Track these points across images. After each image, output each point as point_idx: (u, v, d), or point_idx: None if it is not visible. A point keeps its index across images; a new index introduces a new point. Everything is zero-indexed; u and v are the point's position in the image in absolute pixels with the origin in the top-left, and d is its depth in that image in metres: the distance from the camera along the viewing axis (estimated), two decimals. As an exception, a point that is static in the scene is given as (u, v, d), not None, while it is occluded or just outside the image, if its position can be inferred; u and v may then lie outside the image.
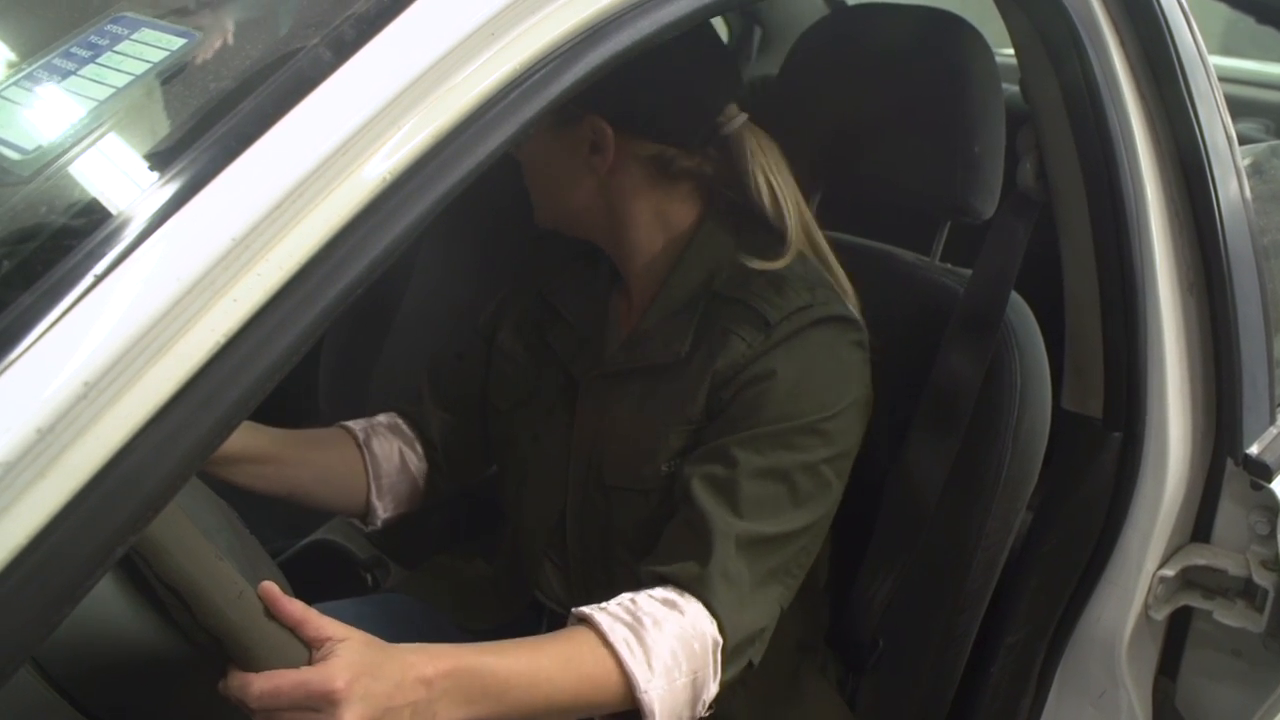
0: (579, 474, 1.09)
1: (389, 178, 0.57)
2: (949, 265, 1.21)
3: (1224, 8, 1.70)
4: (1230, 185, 1.05)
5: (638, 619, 0.91)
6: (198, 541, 0.71)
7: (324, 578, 1.49)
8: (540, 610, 1.18)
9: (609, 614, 0.91)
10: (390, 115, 0.57)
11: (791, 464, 0.98)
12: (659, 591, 0.94)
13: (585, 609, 0.92)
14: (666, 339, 1.05)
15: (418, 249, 1.81)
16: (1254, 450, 1.04)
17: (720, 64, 1.09)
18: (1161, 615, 1.08)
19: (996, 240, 1.11)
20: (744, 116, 1.06)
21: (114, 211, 0.49)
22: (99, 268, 0.46)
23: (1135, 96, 1.01)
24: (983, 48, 1.22)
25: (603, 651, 0.89)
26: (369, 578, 1.49)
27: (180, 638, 0.75)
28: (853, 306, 1.05)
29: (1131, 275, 1.01)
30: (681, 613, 0.93)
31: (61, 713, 0.75)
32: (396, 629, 1.17)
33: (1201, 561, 1.07)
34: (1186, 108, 1.02)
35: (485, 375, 1.21)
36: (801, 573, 1.01)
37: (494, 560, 1.28)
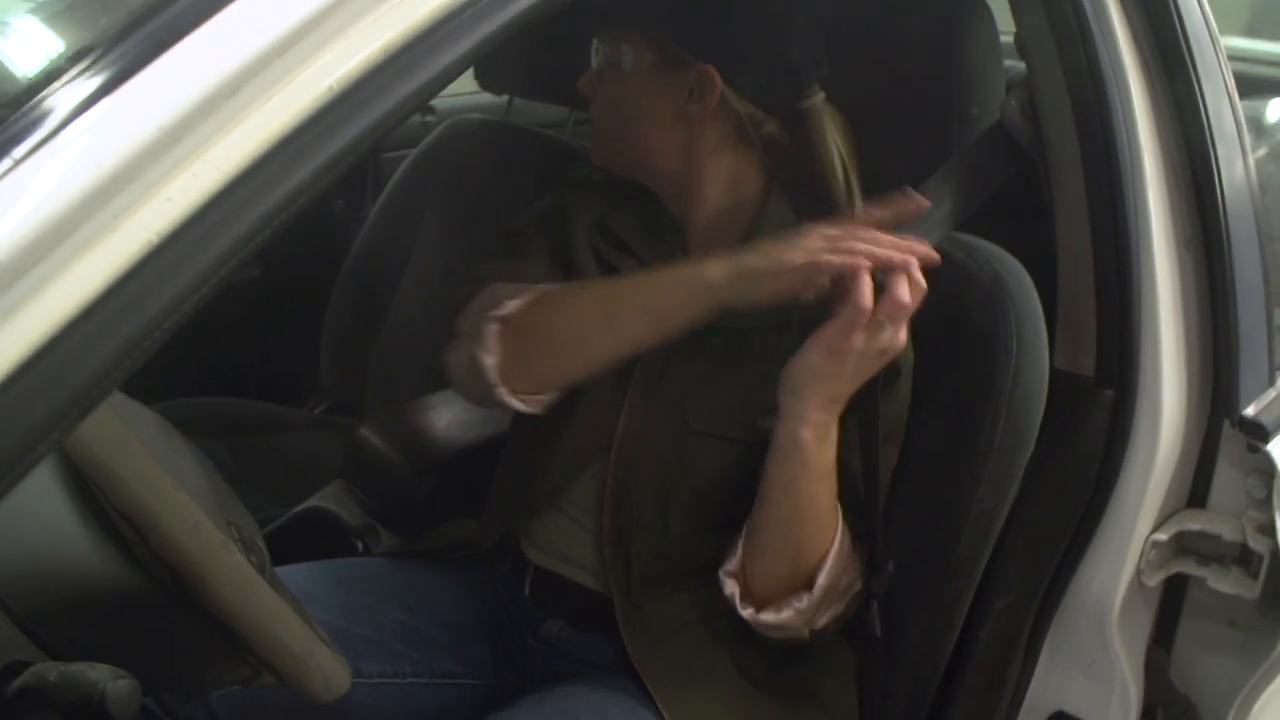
0: (649, 417, 1.07)
1: (335, 87, 0.56)
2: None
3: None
4: (1230, 140, 1.03)
5: None
6: (154, 471, 0.71)
7: (316, 545, 1.48)
8: (524, 568, 1.16)
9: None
10: (335, 23, 0.56)
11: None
12: None
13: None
14: None
15: (421, 220, 1.81)
16: (1250, 411, 1.02)
17: (817, 37, 1.09)
18: (1154, 581, 1.05)
19: (955, 167, 1.08)
20: (823, 95, 1.08)
21: (39, 100, 0.48)
22: (17, 151, 0.46)
23: (1131, 46, 0.99)
24: (981, 7, 1.21)
25: None
26: (360, 545, 1.48)
27: (142, 574, 0.75)
28: None
29: (1125, 228, 0.99)
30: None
31: (24, 648, 0.75)
32: (378, 594, 1.17)
33: (1196, 527, 1.04)
34: (1184, 57, 1.00)
35: (552, 257, 1.14)
36: None
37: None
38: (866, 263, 0.90)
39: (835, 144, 1.08)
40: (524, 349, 1.02)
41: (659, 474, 1.06)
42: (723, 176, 1.09)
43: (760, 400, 1.03)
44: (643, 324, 0.99)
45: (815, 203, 1.09)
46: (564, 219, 1.16)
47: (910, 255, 0.92)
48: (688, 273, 0.97)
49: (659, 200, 1.14)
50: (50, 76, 0.49)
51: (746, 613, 1.03)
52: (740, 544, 1.03)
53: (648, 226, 1.13)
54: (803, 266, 0.92)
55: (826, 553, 1.01)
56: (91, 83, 0.48)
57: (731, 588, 1.03)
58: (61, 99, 0.48)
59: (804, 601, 1.02)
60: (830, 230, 0.94)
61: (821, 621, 1.05)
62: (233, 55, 0.51)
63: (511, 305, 1.03)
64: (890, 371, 1.02)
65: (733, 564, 1.04)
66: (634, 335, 0.99)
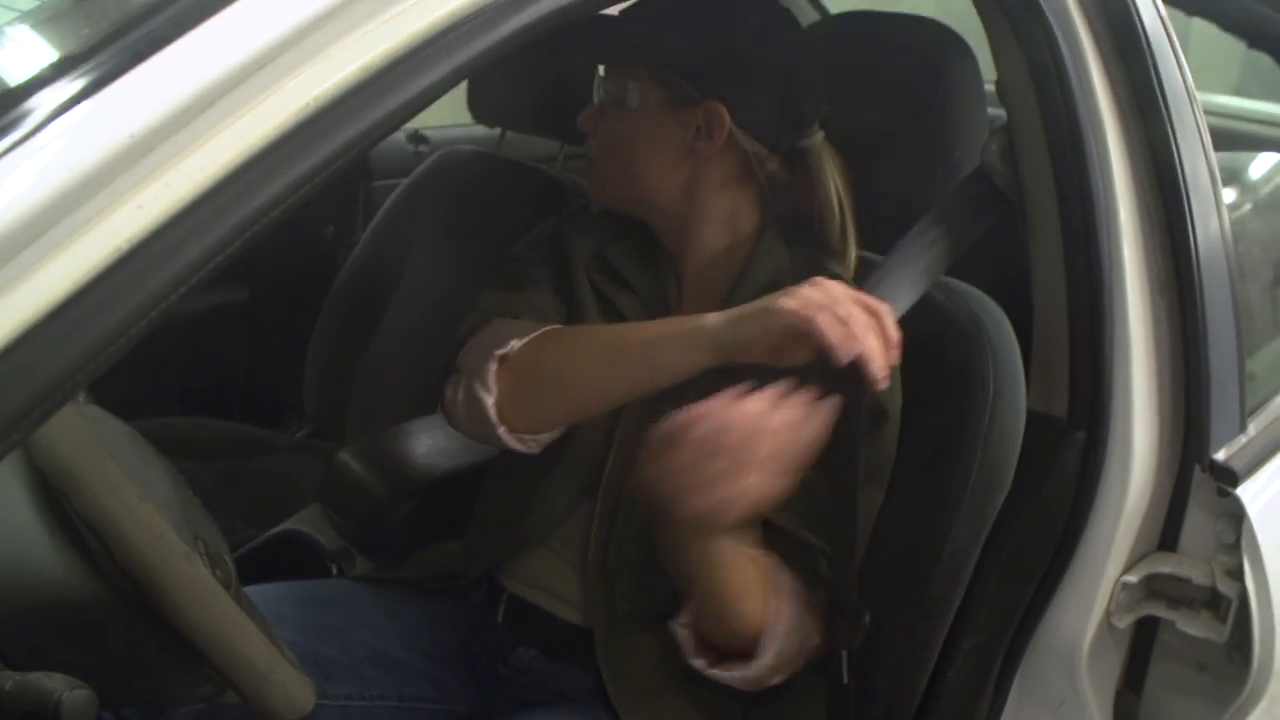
0: (638, 456, 1.03)
1: (312, 104, 0.57)
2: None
3: (1240, 53, 1.71)
4: (1204, 189, 1.05)
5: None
6: (120, 480, 0.71)
7: (290, 568, 1.48)
8: (498, 595, 1.16)
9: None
10: (315, 41, 0.57)
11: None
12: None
13: None
14: None
15: (409, 249, 1.82)
16: (1221, 456, 1.02)
17: (819, 75, 1.10)
18: (1124, 623, 1.05)
19: (940, 215, 1.08)
20: (822, 133, 1.09)
21: (16, 105, 0.49)
22: (-10, 153, 0.46)
23: (1109, 96, 1.01)
24: (965, 54, 1.23)
25: None
26: (335, 569, 1.48)
27: (105, 585, 0.74)
28: None
29: (1099, 272, 1.00)
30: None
31: (-18, 657, 0.74)
32: (349, 617, 1.16)
33: (1166, 570, 1.04)
34: (1160, 108, 1.01)
35: (554, 287, 1.15)
36: None
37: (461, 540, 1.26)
38: (860, 348, 0.87)
39: (834, 182, 1.09)
40: (524, 389, 1.02)
41: (647, 514, 1.06)
42: (723, 214, 1.10)
43: None
44: (643, 371, 0.99)
45: (810, 241, 1.10)
46: (563, 248, 1.17)
47: (890, 362, 0.91)
48: (690, 323, 0.97)
49: (655, 234, 1.15)
50: (28, 82, 0.49)
51: (698, 664, 1.02)
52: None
53: (645, 260, 1.14)
54: (798, 318, 0.89)
55: (761, 630, 0.99)
56: (68, 89, 0.49)
57: (683, 637, 1.03)
58: (37, 104, 0.49)
59: (750, 669, 1.00)
60: (837, 291, 0.91)
61: (774, 681, 1.03)
62: (209, 69, 0.52)
63: (513, 344, 1.03)
64: (877, 414, 1.02)
65: (685, 616, 1.03)
66: (634, 382, 1.00)
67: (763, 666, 1.00)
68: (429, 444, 1.45)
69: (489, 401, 1.02)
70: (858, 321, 0.88)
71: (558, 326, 1.08)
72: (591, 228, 1.17)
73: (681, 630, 1.02)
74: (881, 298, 0.99)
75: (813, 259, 1.08)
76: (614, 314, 1.13)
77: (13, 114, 0.49)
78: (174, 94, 0.51)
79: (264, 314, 2.03)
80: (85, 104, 0.49)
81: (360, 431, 1.75)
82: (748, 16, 1.08)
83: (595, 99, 1.12)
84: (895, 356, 0.91)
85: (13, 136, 0.47)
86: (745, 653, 1.00)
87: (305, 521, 1.53)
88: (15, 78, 0.51)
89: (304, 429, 1.94)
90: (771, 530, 1.01)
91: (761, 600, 0.98)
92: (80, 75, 0.50)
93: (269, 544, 1.50)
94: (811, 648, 1.04)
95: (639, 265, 1.14)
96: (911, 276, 1.05)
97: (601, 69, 1.12)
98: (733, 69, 1.06)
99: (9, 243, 0.46)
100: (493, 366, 1.02)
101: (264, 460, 1.78)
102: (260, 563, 1.44)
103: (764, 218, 1.11)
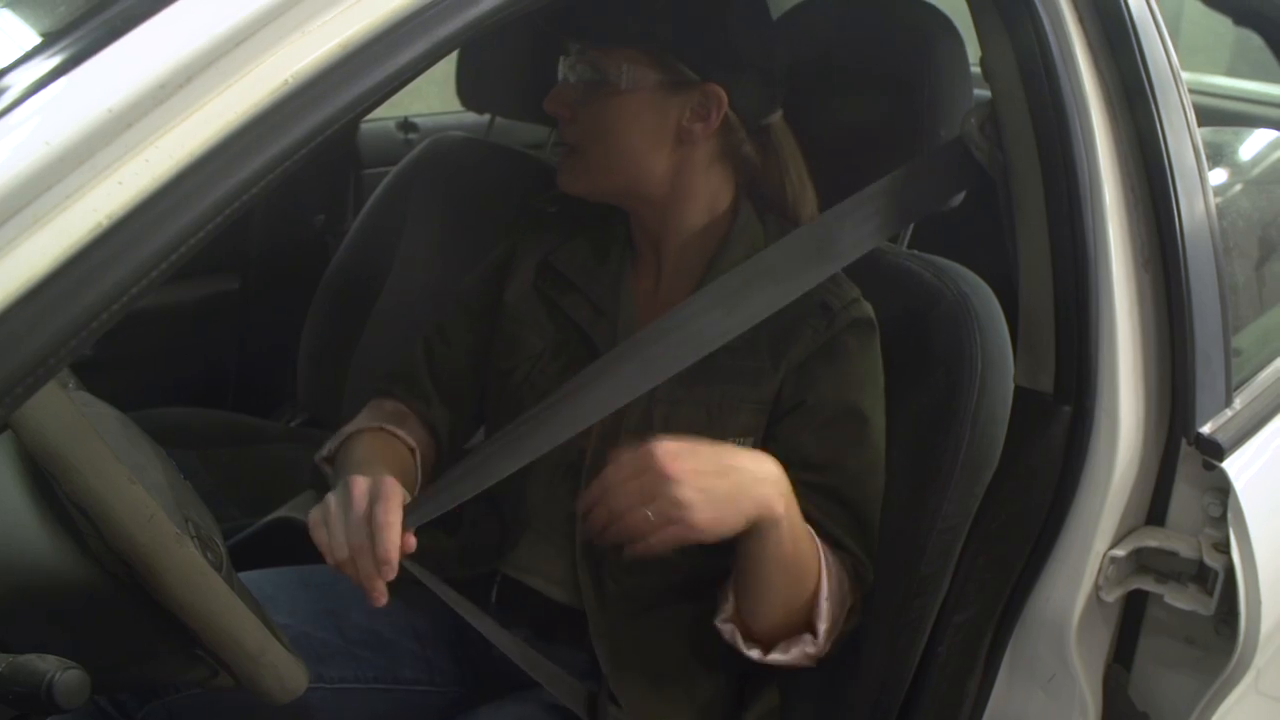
0: (617, 436, 1.07)
1: (291, 80, 0.57)
2: (916, 252, 1.20)
3: (1231, 35, 1.71)
4: (1188, 165, 1.05)
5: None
6: (109, 462, 0.71)
7: (284, 554, 1.48)
8: (491, 577, 1.16)
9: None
10: (292, 17, 0.57)
11: (874, 462, 1.06)
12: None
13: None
14: None
15: (400, 237, 1.82)
16: (1206, 430, 1.03)
17: (785, 46, 1.10)
18: (1112, 597, 1.06)
19: (909, 173, 1.09)
20: (780, 110, 1.10)
21: (-7, 82, 0.49)
22: (-33, 129, 0.47)
23: (1091, 70, 1.01)
24: (951, 33, 1.23)
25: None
26: (329, 555, 1.48)
27: (96, 567, 0.75)
28: None
29: (1084, 248, 1.00)
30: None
31: (-25, 640, 0.75)
32: (342, 600, 1.16)
33: (1154, 544, 1.05)
34: (1144, 86, 1.02)
35: (480, 342, 1.19)
36: None
37: (457, 532, 1.27)
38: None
39: (793, 158, 1.11)
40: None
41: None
42: (705, 195, 1.10)
43: (729, 421, 1.05)
44: None
45: (781, 213, 1.12)
46: (508, 268, 1.18)
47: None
48: None
49: (613, 226, 1.14)
50: (4, 59, 0.50)
51: (753, 654, 1.02)
52: (730, 593, 1.02)
53: (596, 256, 1.14)
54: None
55: (817, 593, 1.00)
56: (44, 65, 0.50)
57: (730, 633, 1.02)
58: (13, 80, 0.49)
59: (812, 646, 1.01)
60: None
61: (829, 649, 1.04)
62: (188, 43, 0.52)
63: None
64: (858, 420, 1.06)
65: (726, 611, 1.03)
66: None
67: (823, 639, 1.01)
68: (421, 430, 1.45)
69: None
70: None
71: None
72: (545, 234, 1.18)
73: (726, 626, 1.02)
74: (841, 232, 1.03)
75: (786, 230, 1.08)
76: (561, 317, 1.14)
77: (-11, 91, 0.49)
78: (151, 69, 0.51)
79: (255, 303, 2.03)
80: (62, 80, 0.49)
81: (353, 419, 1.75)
82: None
83: (566, 78, 1.08)
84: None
85: (-10, 113, 0.47)
86: (803, 624, 1.01)
87: (299, 509, 1.53)
88: (-9, 55, 0.51)
89: (297, 417, 1.94)
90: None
91: (815, 571, 0.99)
92: (57, 51, 0.50)
93: (263, 531, 1.50)
94: (849, 610, 1.05)
95: (585, 261, 1.14)
96: (864, 227, 1.05)
97: (575, 47, 1.08)
98: (728, 51, 1.06)
99: (-13, 219, 0.46)
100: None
101: (257, 449, 1.78)
102: (255, 550, 1.44)
103: (738, 194, 1.12)
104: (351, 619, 1.14)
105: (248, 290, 2.02)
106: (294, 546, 1.49)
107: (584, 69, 1.06)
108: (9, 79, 0.49)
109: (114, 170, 0.51)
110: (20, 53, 0.50)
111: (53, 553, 0.74)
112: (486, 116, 1.87)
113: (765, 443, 1.06)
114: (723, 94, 1.04)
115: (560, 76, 1.08)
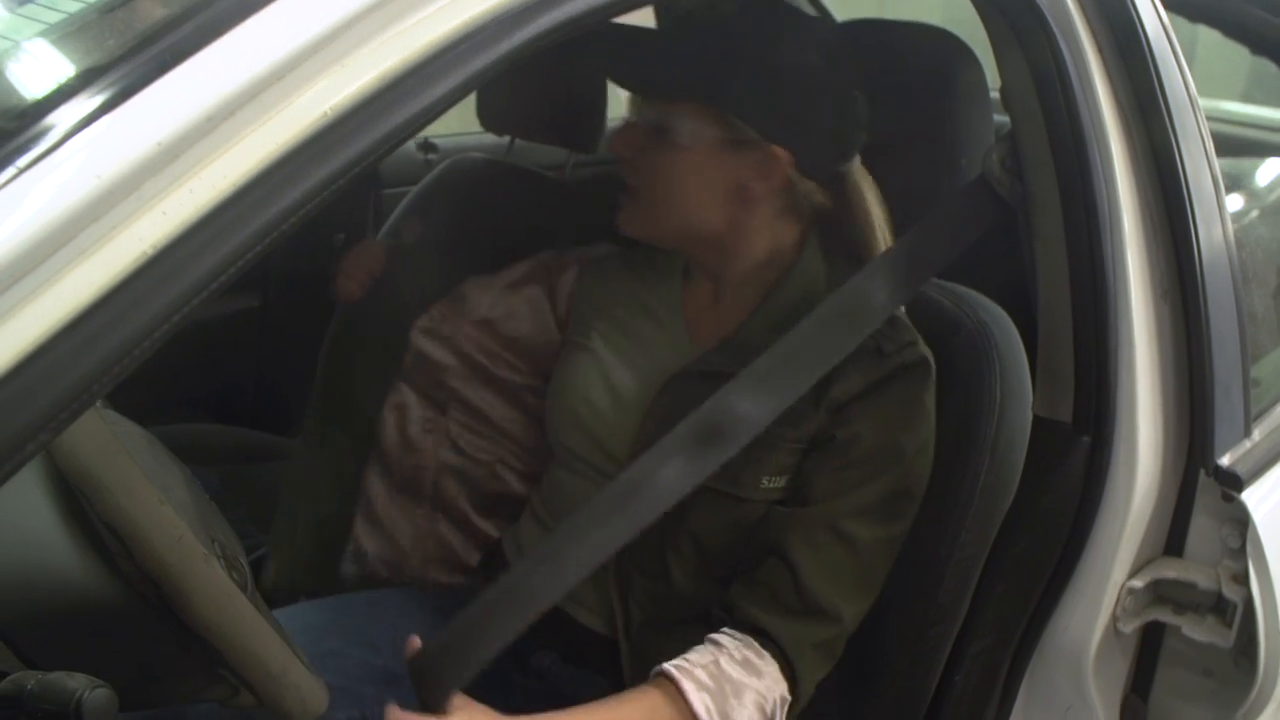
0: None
1: (330, 113, 0.59)
2: (935, 279, 1.21)
3: (1246, 61, 1.72)
4: (1207, 195, 1.05)
5: (721, 687, 0.95)
6: (141, 483, 0.72)
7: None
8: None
9: (694, 680, 0.94)
10: (333, 50, 0.58)
11: (896, 534, 1.04)
12: (738, 647, 0.99)
13: (671, 668, 0.95)
14: None
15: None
16: (1225, 461, 1.03)
17: (862, 101, 1.10)
18: (1130, 628, 1.06)
19: (935, 219, 1.09)
20: (858, 158, 1.10)
21: (46, 115, 0.51)
22: (22, 160, 0.48)
23: (1110, 100, 1.02)
24: (973, 63, 1.24)
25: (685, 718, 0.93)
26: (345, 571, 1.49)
27: (124, 585, 0.76)
28: None
29: (1104, 278, 1.01)
30: (759, 676, 0.98)
31: (2, 657, 0.76)
32: (344, 638, 1.17)
33: (1172, 575, 1.05)
34: (1163, 115, 1.02)
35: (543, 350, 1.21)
36: None
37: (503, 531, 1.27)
38: None
39: (871, 203, 1.10)
40: None
41: (659, 521, 1.07)
42: (766, 240, 1.10)
43: (766, 459, 1.04)
44: None
45: (849, 255, 1.11)
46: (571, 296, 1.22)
47: None
48: None
49: (671, 255, 1.15)
50: (57, 93, 0.51)
51: None
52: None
53: (650, 275, 1.17)
54: None
55: None
56: (96, 99, 0.51)
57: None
58: (66, 114, 0.50)
59: None
60: None
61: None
62: (233, 77, 0.54)
63: None
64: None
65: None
66: None
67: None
68: (438, 449, 1.46)
69: None
70: None
71: None
72: (603, 280, 1.20)
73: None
74: (873, 291, 1.02)
75: (851, 272, 1.08)
76: (616, 335, 1.15)
77: (43, 124, 0.50)
78: (199, 103, 0.52)
79: (275, 321, 2.04)
80: (113, 113, 0.50)
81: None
82: (804, 52, 1.06)
83: (632, 117, 1.07)
84: None
85: (43, 145, 0.49)
86: None
87: (316, 526, 1.54)
88: (44, 88, 0.52)
89: (314, 435, 1.95)
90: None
91: None
92: (107, 85, 0.51)
93: (280, 549, 1.51)
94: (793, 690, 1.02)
95: (640, 277, 1.16)
96: (898, 281, 1.05)
97: (625, 87, 1.08)
98: (791, 110, 1.04)
99: (39, 249, 0.48)
100: None
101: (275, 466, 1.79)
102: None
103: (804, 232, 1.12)
104: (354, 657, 1.14)
105: (268, 308, 2.03)
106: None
107: (650, 115, 1.05)
108: (62, 112, 0.50)
109: (159, 200, 0.52)
110: (72, 86, 0.51)
111: (82, 571, 0.75)
112: (506, 138, 1.89)
113: (795, 479, 1.05)
114: (785, 156, 1.03)
115: (627, 116, 1.08)
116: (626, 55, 1.05)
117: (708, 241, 1.09)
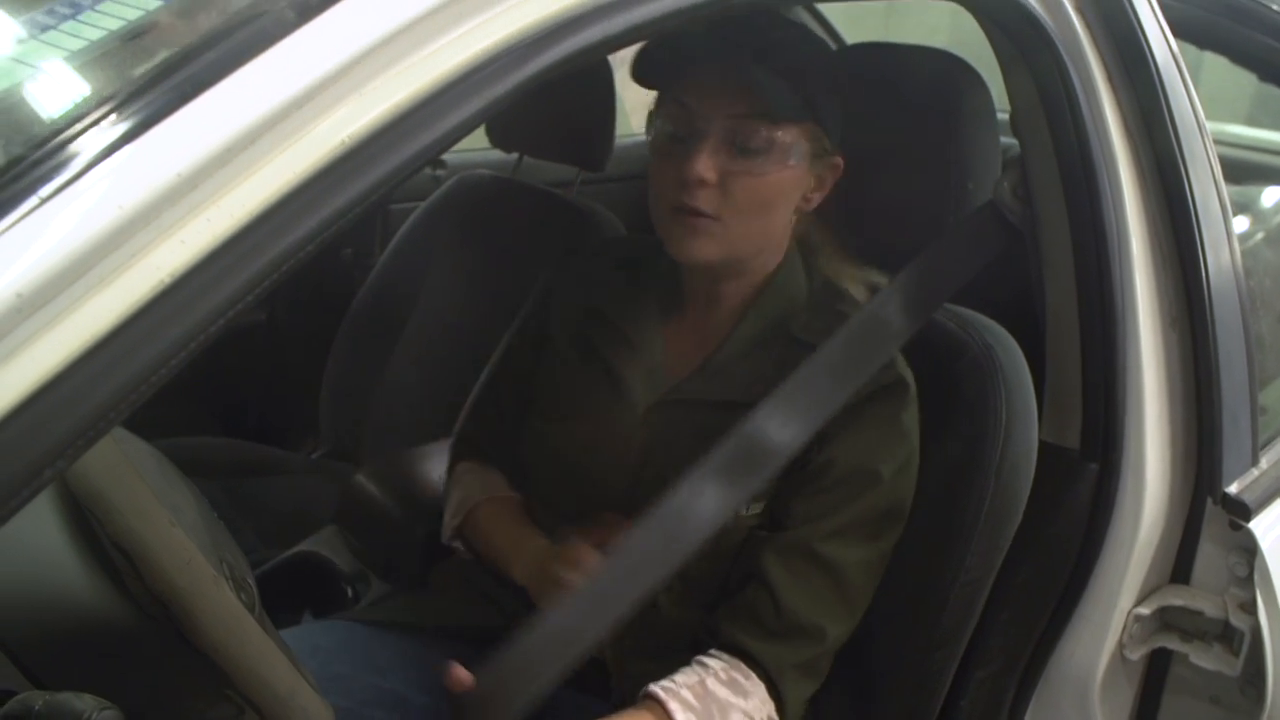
0: (636, 491, 1.07)
1: (347, 141, 0.59)
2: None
3: (1251, 84, 1.72)
4: (1215, 222, 1.06)
5: (707, 707, 0.96)
6: (151, 505, 0.72)
7: (306, 590, 1.49)
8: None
9: (681, 700, 0.95)
10: (350, 80, 0.59)
11: (876, 554, 1.05)
12: (724, 668, 1.00)
13: (658, 689, 0.96)
14: (747, 378, 1.06)
15: (426, 272, 1.84)
16: (1233, 489, 1.03)
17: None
18: (1136, 655, 1.06)
19: (946, 244, 1.10)
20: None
21: (68, 144, 0.51)
22: (45, 190, 0.48)
23: (1121, 130, 1.02)
24: (980, 87, 1.24)
25: None
26: (350, 590, 1.49)
27: (132, 606, 0.76)
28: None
29: (1112, 304, 1.01)
30: (746, 696, 0.99)
31: (10, 677, 0.76)
32: (353, 662, 1.17)
33: (1179, 602, 1.05)
34: (1171, 142, 1.03)
35: (524, 388, 1.22)
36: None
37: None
38: None
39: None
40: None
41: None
42: (780, 253, 1.11)
43: None
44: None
45: (821, 263, 1.13)
46: (546, 316, 1.21)
47: None
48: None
49: (659, 268, 1.15)
50: (78, 122, 0.51)
51: None
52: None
53: (635, 300, 1.17)
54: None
55: None
56: (118, 129, 0.51)
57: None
58: (89, 143, 0.51)
59: None
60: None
61: None
62: (253, 108, 0.54)
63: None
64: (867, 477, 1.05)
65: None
66: None
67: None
68: (444, 467, 1.46)
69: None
70: None
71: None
72: (591, 268, 1.20)
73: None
74: (890, 315, 1.03)
75: (829, 285, 1.10)
76: (601, 365, 1.14)
77: (66, 153, 0.50)
78: (219, 133, 0.53)
79: (282, 335, 2.04)
80: (135, 143, 0.51)
81: (376, 453, 1.76)
82: (839, 64, 1.09)
83: (716, 143, 1.01)
84: None
85: (66, 174, 0.49)
86: None
87: (321, 543, 1.54)
88: (66, 116, 0.53)
89: (319, 450, 1.95)
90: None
91: None
92: (130, 115, 0.52)
93: (285, 565, 1.51)
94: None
95: (627, 303, 1.16)
96: (912, 306, 1.06)
97: (730, 114, 1.02)
98: (845, 119, 1.08)
99: (61, 278, 0.48)
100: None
101: (279, 481, 1.79)
102: (276, 584, 1.45)
103: (793, 244, 1.13)
104: (361, 680, 1.14)
105: (274, 322, 2.04)
106: (316, 581, 1.51)
107: (754, 140, 1.02)
108: (83, 142, 0.51)
109: (177, 229, 0.52)
110: (94, 115, 0.52)
111: (90, 592, 0.75)
112: (514, 155, 1.89)
113: (772, 503, 1.05)
114: (840, 163, 1.06)
115: (708, 137, 1.02)
116: (734, 82, 1.03)
117: (751, 259, 1.09)
